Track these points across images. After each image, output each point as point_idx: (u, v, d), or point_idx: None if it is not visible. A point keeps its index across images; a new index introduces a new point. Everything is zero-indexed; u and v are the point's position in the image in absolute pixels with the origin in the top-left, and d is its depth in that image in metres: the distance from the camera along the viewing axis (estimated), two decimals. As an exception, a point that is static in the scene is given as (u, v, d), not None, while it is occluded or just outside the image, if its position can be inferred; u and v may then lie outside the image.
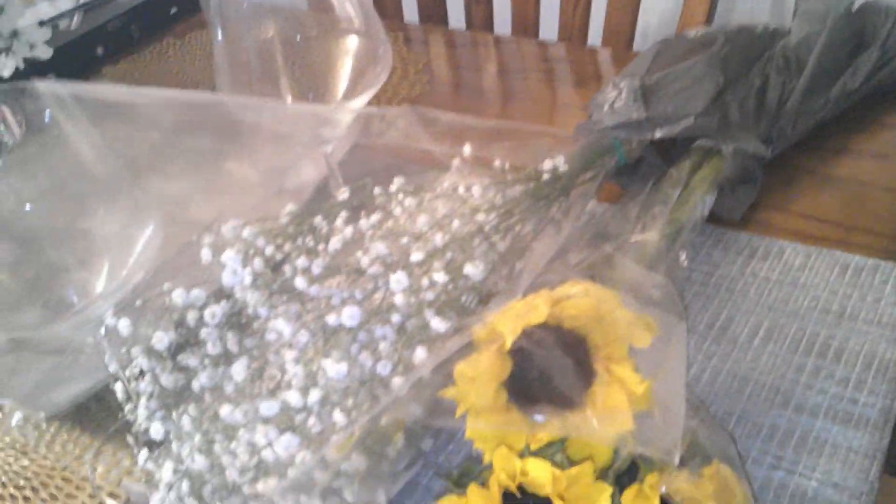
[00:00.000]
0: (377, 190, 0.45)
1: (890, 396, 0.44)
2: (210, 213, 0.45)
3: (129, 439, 0.42)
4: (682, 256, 0.50)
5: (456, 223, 0.43)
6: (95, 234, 0.38)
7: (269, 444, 0.33)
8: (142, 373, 0.41)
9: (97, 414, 0.48)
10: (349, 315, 0.34)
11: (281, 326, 0.34)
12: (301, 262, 0.36)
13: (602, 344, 0.39)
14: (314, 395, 0.33)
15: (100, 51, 0.82)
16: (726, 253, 0.55)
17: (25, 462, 0.48)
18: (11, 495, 0.46)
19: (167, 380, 0.40)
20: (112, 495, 0.45)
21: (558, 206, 0.50)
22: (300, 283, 0.35)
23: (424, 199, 0.45)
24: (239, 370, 0.36)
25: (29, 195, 0.36)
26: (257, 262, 0.35)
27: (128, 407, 0.42)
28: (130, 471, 0.46)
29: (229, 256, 0.35)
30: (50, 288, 0.38)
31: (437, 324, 0.37)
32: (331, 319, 0.34)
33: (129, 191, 0.37)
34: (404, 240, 0.39)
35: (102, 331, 0.39)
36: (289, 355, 0.35)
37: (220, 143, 0.50)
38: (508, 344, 0.37)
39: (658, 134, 0.55)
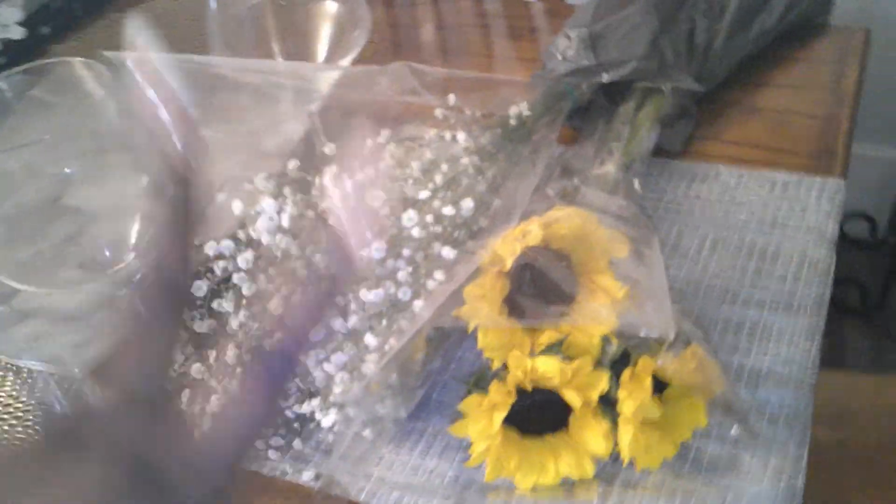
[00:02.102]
0: (368, 142, 0.50)
1: (822, 286, 0.52)
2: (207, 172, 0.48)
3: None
4: (636, 184, 0.56)
5: (444, 167, 0.48)
6: (124, 194, 0.41)
7: (320, 364, 0.38)
8: (175, 321, 0.45)
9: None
10: (377, 248, 0.39)
11: (320, 260, 0.39)
12: (325, 205, 0.41)
13: (585, 259, 0.45)
14: (353, 320, 0.38)
15: (45, 30, 0.83)
16: (671, 180, 0.62)
17: (56, 420, 0.51)
18: (48, 451, 0.49)
19: (201, 325, 0.44)
20: (148, 439, 0.49)
21: (525, 148, 0.56)
22: (334, 221, 0.40)
23: (413, 147, 0.50)
24: (276, 306, 0.41)
25: (58, 159, 0.39)
26: (290, 207, 0.39)
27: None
28: (161, 417, 0.50)
29: (268, 204, 0.39)
30: (84, 248, 0.41)
31: (447, 252, 0.42)
32: (364, 253, 0.39)
33: (150, 151, 0.41)
34: (410, 182, 0.44)
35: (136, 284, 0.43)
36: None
37: (211, 105, 0.54)
38: (508, 265, 0.43)
39: (606, 78, 0.61)
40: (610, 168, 0.56)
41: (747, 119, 0.65)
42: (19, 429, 0.50)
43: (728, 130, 0.64)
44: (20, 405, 0.52)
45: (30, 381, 0.53)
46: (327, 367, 0.38)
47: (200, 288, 0.41)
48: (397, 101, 0.50)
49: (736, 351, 0.49)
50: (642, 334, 0.39)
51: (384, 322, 0.39)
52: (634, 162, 0.58)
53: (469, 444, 0.46)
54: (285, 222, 0.39)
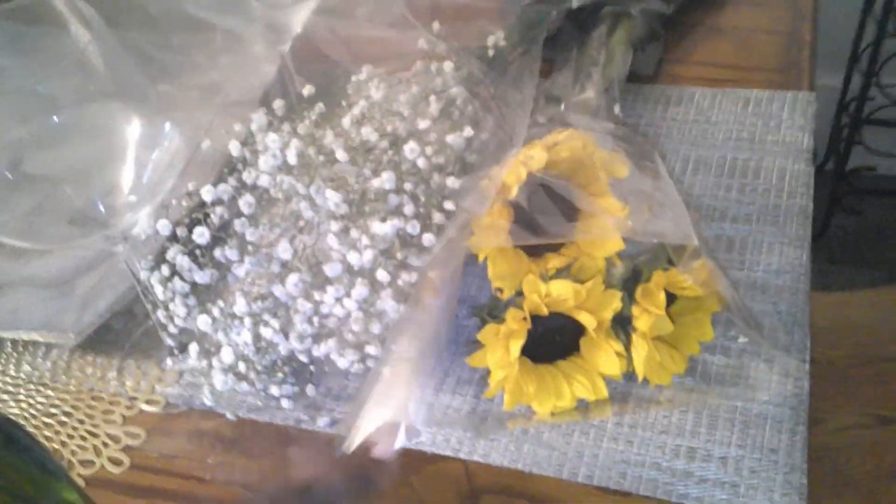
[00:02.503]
0: (353, 78, 0.49)
1: (804, 197, 0.53)
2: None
3: (169, 341, 0.45)
4: (616, 108, 0.56)
5: (434, 98, 0.47)
6: (115, 141, 0.39)
7: (339, 301, 0.37)
8: (173, 274, 0.43)
9: (104, 336, 0.50)
10: (387, 178, 0.38)
11: (330, 196, 0.37)
12: (328, 141, 0.39)
13: (586, 182, 0.45)
14: (368, 255, 0.38)
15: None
16: (646, 103, 0.62)
17: (49, 392, 0.49)
18: (46, 423, 0.47)
19: (202, 276, 0.42)
20: (150, 402, 0.48)
21: (506, 77, 0.55)
22: (341, 155, 0.38)
23: (398, 81, 0.48)
24: (284, 249, 0.39)
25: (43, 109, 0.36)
26: (295, 142, 0.38)
27: (159, 312, 0.44)
28: (160, 378, 0.48)
29: (272, 140, 0.38)
30: (75, 203, 0.39)
31: (452, 182, 0.41)
32: (376, 183, 0.38)
33: (142, 93, 0.39)
34: (403, 114, 0.43)
35: (137, 234, 0.41)
36: (334, 226, 0.39)
37: (182, 46, 0.51)
38: (514, 192, 0.42)
39: (576, 3, 0.60)
40: (590, 93, 0.56)
41: (713, 39, 0.66)
42: (11, 404, 0.48)
43: (696, 52, 0.65)
44: (9, 380, 0.49)
45: (16, 355, 0.51)
46: (347, 303, 0.37)
47: (202, 235, 0.40)
48: (376, 36, 0.49)
49: (730, 266, 0.50)
50: (664, 241, 0.39)
51: (399, 255, 0.39)
52: (612, 86, 0.57)
53: (480, 377, 0.46)
54: (292, 159, 0.38)
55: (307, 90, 0.48)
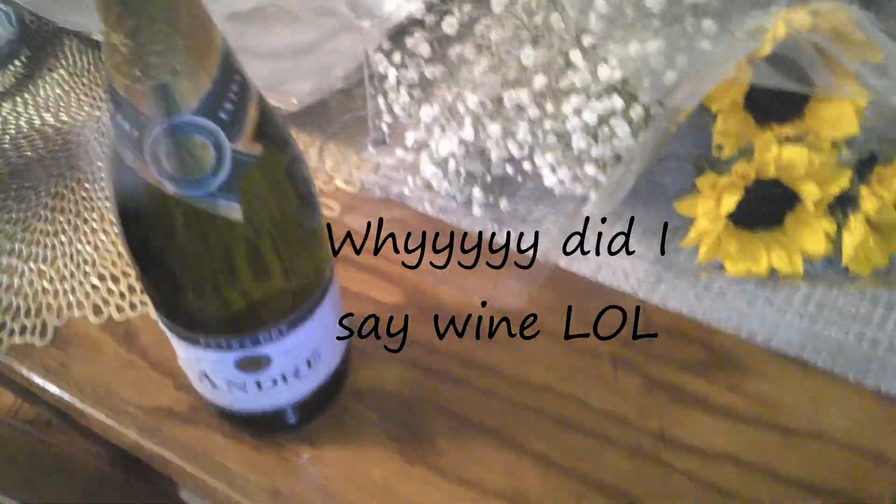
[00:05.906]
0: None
1: None
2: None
3: (377, 132, 0.47)
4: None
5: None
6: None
7: (579, 112, 0.38)
8: (403, 65, 0.44)
9: (316, 111, 0.52)
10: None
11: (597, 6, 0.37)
12: None
13: (833, 58, 0.43)
14: (618, 73, 0.38)
15: None
16: None
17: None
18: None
19: (433, 71, 0.43)
20: (346, 182, 0.50)
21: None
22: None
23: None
24: (527, 56, 0.40)
25: None
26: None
27: (380, 98, 0.46)
28: (358, 165, 0.50)
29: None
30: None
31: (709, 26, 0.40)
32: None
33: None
34: None
35: (386, 11, 0.42)
36: (585, 40, 0.38)
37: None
38: (767, 50, 0.41)
39: None
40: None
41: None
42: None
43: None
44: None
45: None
46: (587, 115, 0.38)
47: (452, 26, 0.40)
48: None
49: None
50: None
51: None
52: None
53: (669, 231, 0.46)
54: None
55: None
